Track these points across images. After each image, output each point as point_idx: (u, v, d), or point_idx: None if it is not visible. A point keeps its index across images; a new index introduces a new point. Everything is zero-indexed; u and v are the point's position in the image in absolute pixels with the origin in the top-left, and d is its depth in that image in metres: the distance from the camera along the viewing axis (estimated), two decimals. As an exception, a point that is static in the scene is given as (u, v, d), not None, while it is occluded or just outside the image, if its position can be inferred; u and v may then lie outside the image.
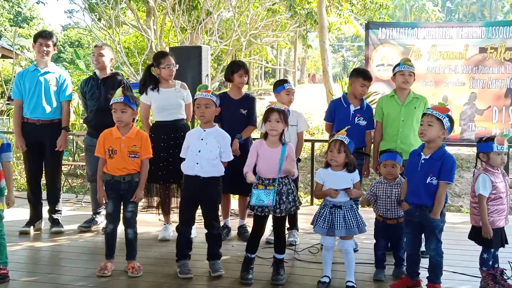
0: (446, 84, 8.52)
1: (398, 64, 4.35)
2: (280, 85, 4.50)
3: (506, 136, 3.44)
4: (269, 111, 3.54)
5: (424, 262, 3.58)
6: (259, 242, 3.71)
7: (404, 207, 3.50)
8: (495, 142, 3.38)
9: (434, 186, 3.29)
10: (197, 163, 3.66)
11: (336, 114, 4.47)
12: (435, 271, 3.39)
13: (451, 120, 3.33)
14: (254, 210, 3.57)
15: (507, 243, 3.52)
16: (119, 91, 3.77)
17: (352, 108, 4.39)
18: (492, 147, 3.39)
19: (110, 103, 3.75)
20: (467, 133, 8.47)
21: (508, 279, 3.55)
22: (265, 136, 3.63)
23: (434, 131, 3.30)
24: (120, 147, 3.73)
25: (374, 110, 4.55)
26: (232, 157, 3.83)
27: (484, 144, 3.44)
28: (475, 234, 3.49)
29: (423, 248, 3.57)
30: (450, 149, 3.69)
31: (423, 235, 3.48)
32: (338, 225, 3.45)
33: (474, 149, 3.69)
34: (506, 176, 3.53)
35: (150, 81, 4.59)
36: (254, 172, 3.57)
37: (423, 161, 3.35)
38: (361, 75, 4.39)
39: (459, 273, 3.82)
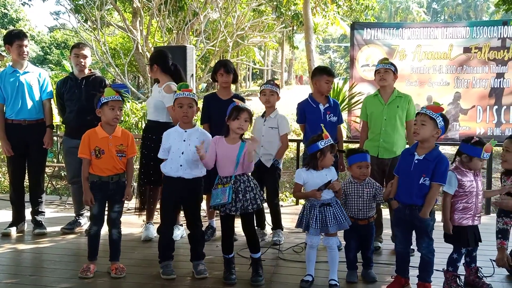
0: (431, 84, 8.60)
1: (376, 65, 4.42)
2: (261, 86, 4.62)
3: (493, 145, 3.42)
4: (239, 109, 3.49)
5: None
6: (232, 242, 3.70)
7: (393, 205, 3.50)
8: (483, 150, 3.34)
9: (427, 187, 3.28)
10: (181, 165, 3.64)
11: (307, 115, 4.50)
12: (427, 269, 3.37)
13: (445, 120, 3.30)
14: (218, 211, 3.56)
15: (480, 242, 3.50)
16: (110, 89, 3.70)
17: (321, 107, 4.44)
18: (480, 154, 3.36)
19: (105, 101, 3.64)
20: (451, 133, 8.55)
21: (483, 277, 3.54)
22: (226, 133, 3.57)
23: (427, 130, 3.27)
24: (108, 147, 3.70)
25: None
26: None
27: (472, 148, 3.38)
28: (445, 233, 3.49)
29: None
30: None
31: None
32: (330, 222, 3.45)
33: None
34: (479, 176, 3.50)
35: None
36: (215, 171, 3.59)
37: (416, 161, 3.33)
38: (324, 72, 4.45)
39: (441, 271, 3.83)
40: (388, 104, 4.34)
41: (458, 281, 3.46)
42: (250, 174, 3.64)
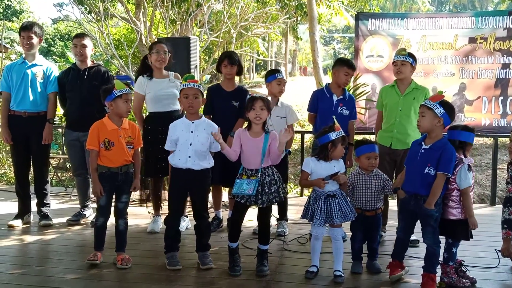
0: (436, 74, 8.54)
1: (394, 56, 4.38)
2: (271, 75, 4.50)
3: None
4: (253, 99, 3.50)
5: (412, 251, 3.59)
6: (239, 230, 3.69)
7: (400, 194, 3.50)
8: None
9: (431, 177, 3.26)
10: (189, 157, 3.63)
11: (319, 104, 4.48)
12: (431, 260, 3.36)
13: (447, 107, 3.27)
14: (236, 198, 3.56)
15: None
16: (120, 82, 3.73)
17: (335, 98, 4.40)
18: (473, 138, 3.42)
19: (119, 94, 3.66)
20: (456, 124, 8.51)
21: (467, 271, 3.53)
22: (248, 126, 3.60)
23: (426, 121, 3.29)
24: (118, 138, 3.72)
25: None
26: (220, 148, 3.83)
27: (473, 136, 3.43)
28: (452, 229, 3.39)
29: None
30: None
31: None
32: (335, 214, 3.46)
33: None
34: None
35: (144, 70, 4.58)
36: (239, 162, 3.57)
37: (423, 151, 3.33)
38: (345, 64, 4.40)
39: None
40: (404, 96, 4.32)
41: (462, 269, 3.47)
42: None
